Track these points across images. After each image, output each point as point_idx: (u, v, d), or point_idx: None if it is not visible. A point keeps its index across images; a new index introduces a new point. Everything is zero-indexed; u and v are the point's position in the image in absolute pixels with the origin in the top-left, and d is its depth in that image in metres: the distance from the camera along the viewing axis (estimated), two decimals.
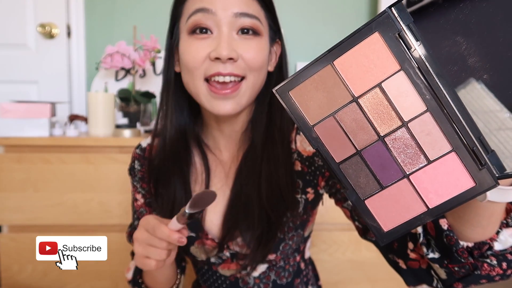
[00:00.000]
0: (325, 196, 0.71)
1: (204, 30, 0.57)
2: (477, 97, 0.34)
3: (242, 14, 0.56)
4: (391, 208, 0.35)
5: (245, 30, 0.57)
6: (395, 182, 0.35)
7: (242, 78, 0.58)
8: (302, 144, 0.67)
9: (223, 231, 0.65)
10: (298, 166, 0.66)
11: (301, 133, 0.67)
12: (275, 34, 0.65)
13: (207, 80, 0.58)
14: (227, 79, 0.56)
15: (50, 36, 1.60)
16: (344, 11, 1.67)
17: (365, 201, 0.36)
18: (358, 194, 0.36)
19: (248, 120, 0.67)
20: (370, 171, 0.35)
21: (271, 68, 0.65)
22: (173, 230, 0.51)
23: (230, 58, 0.55)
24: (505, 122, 0.34)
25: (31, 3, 1.58)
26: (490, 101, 0.35)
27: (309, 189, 0.67)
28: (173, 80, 0.64)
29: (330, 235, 1.20)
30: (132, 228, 0.76)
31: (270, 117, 0.65)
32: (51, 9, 1.59)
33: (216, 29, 0.57)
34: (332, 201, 0.69)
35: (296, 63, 1.64)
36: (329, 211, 1.17)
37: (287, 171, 0.63)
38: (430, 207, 0.34)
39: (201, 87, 0.58)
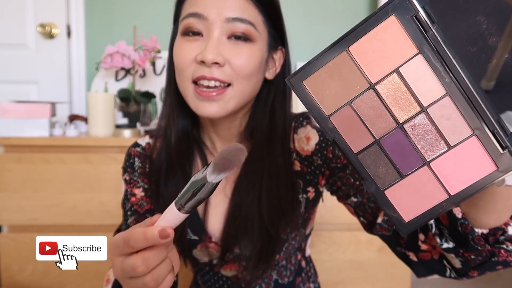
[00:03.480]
0: (325, 194, 0.70)
1: (196, 33, 0.56)
2: None
3: (235, 19, 0.55)
4: (412, 197, 0.34)
5: (237, 36, 0.56)
6: (415, 170, 0.34)
7: (229, 84, 0.56)
8: (300, 144, 0.66)
9: (224, 244, 0.64)
10: (297, 166, 0.66)
11: (298, 132, 0.67)
12: (276, 41, 0.63)
13: (194, 82, 0.57)
14: (212, 83, 0.55)
15: (50, 36, 1.60)
16: (344, 11, 1.67)
17: (385, 192, 0.35)
18: (378, 184, 0.35)
19: (245, 126, 0.66)
20: (390, 160, 0.34)
21: (270, 76, 0.63)
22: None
23: (216, 63, 0.54)
24: None
25: (31, 3, 1.58)
26: None
27: (309, 188, 0.66)
28: (174, 78, 0.63)
29: (330, 235, 1.20)
30: (124, 227, 0.75)
31: (272, 127, 0.63)
32: (51, 9, 1.59)
33: (206, 32, 0.56)
34: (332, 200, 0.69)
35: (296, 63, 1.64)
36: (329, 211, 1.17)
37: (288, 185, 0.62)
38: (451, 194, 0.34)
39: (188, 87, 0.57)
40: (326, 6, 1.67)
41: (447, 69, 0.31)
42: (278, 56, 0.65)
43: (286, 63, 0.66)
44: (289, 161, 0.65)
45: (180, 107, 0.65)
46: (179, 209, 0.38)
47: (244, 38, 0.56)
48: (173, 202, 0.38)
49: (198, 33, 0.56)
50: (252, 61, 0.56)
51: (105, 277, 0.66)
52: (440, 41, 0.30)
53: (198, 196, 0.37)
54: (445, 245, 0.48)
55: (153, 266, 0.37)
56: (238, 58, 0.55)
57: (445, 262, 0.51)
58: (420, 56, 0.31)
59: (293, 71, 1.72)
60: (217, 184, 0.37)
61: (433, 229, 0.49)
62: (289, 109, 0.65)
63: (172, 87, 0.64)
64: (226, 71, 0.55)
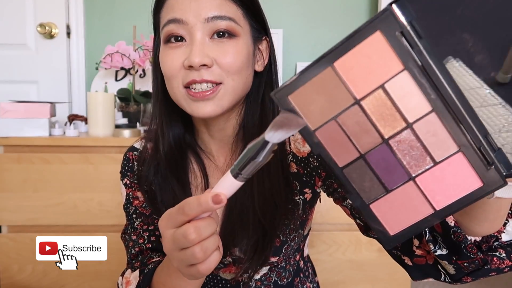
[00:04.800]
0: (324, 194, 0.71)
1: (179, 38, 0.56)
2: (456, 75, 0.33)
3: (215, 17, 0.54)
4: (397, 212, 0.35)
5: (220, 33, 0.56)
6: (401, 185, 0.34)
7: (220, 83, 0.56)
8: (295, 145, 0.66)
9: (222, 242, 0.64)
10: (293, 168, 0.66)
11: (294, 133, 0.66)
12: (260, 32, 0.62)
13: (186, 87, 0.57)
14: (204, 86, 0.55)
15: (50, 36, 1.60)
16: (344, 11, 1.67)
17: (370, 206, 0.35)
18: (363, 198, 0.35)
19: (239, 124, 0.65)
20: (375, 174, 0.34)
21: (259, 68, 0.63)
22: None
23: (204, 65, 0.54)
24: (486, 99, 0.34)
25: (31, 3, 1.59)
26: (470, 79, 0.34)
27: (306, 190, 0.66)
28: (161, 88, 0.63)
29: (330, 235, 1.20)
30: (130, 230, 0.75)
31: (262, 120, 0.63)
32: (51, 9, 1.59)
33: (189, 36, 0.56)
34: (331, 200, 0.69)
35: (296, 63, 1.64)
36: (329, 211, 1.18)
37: (280, 178, 0.62)
38: (437, 209, 0.34)
39: (180, 92, 0.57)
40: (326, 6, 1.67)
41: (433, 85, 0.30)
42: (264, 47, 0.64)
43: (271, 53, 0.65)
44: (281, 153, 0.64)
45: (170, 116, 0.64)
46: (235, 177, 0.37)
47: (227, 34, 0.56)
48: (229, 170, 0.37)
49: (181, 38, 0.56)
50: (239, 57, 0.56)
51: (123, 279, 0.65)
52: (427, 57, 0.29)
53: (255, 159, 0.35)
54: (438, 252, 0.48)
55: (204, 236, 0.37)
56: (224, 56, 0.55)
57: (439, 267, 0.51)
58: (405, 72, 0.31)
59: (292, 70, 1.72)
60: (274, 147, 0.35)
61: (427, 236, 0.49)
62: None
63: (159, 97, 0.64)
64: (215, 71, 0.55)
